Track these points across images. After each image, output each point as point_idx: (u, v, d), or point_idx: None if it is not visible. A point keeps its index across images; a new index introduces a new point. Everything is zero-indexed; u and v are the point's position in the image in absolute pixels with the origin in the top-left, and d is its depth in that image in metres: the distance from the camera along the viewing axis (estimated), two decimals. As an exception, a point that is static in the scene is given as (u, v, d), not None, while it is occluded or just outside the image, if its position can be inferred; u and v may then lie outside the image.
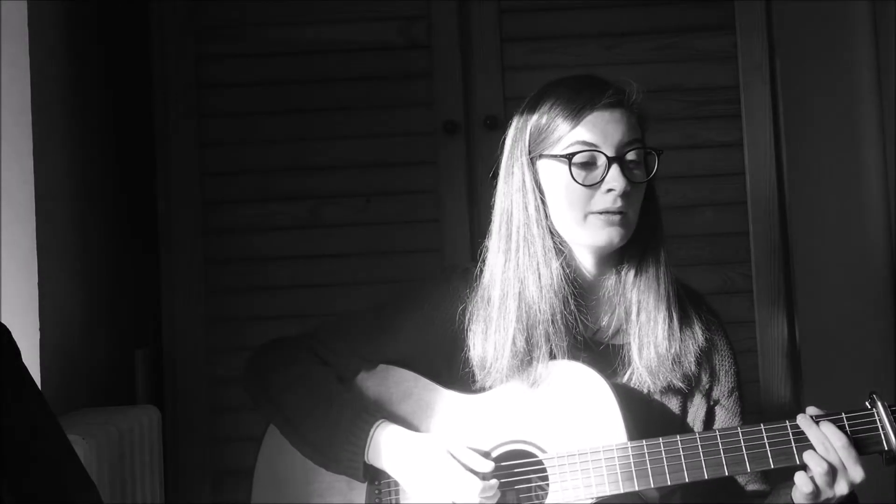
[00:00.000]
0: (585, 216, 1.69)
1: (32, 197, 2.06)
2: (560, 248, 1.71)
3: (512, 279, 1.70)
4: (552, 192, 1.71)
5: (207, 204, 2.52)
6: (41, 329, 2.06)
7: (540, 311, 1.68)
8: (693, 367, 1.75)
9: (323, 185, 2.53)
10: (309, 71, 2.54)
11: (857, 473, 1.60)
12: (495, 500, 1.65)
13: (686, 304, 1.77)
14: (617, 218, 1.68)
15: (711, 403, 1.79)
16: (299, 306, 2.50)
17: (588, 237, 1.70)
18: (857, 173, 2.79)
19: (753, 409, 2.46)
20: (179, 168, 2.52)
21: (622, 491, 1.64)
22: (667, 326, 1.72)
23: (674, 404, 1.76)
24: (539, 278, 1.69)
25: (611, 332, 1.76)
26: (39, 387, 1.55)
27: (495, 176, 1.77)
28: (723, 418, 1.79)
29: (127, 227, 2.59)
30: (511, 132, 1.76)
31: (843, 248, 2.78)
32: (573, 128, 1.69)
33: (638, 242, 1.74)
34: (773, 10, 2.56)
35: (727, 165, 2.53)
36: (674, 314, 1.73)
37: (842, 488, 1.60)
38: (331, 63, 2.54)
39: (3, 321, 1.45)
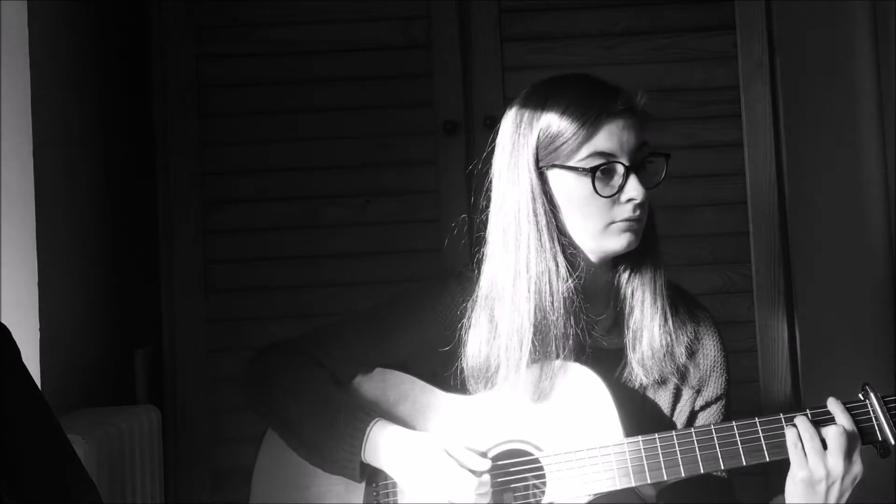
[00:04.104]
0: (606, 226, 1.68)
1: (32, 197, 2.06)
2: (570, 252, 1.70)
3: (522, 284, 1.68)
4: (567, 204, 1.69)
5: (207, 204, 2.52)
6: (41, 329, 2.06)
7: (553, 314, 1.67)
8: (683, 361, 1.75)
9: (323, 185, 2.53)
10: (309, 71, 2.54)
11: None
12: (490, 498, 1.65)
13: (680, 303, 1.78)
14: (635, 224, 1.69)
15: (696, 408, 1.79)
16: (299, 306, 2.50)
17: (606, 245, 1.69)
18: (856, 173, 2.78)
19: (753, 409, 2.47)
20: (179, 168, 2.52)
21: (619, 487, 1.64)
22: (662, 323, 1.73)
23: (664, 402, 1.77)
24: (549, 285, 1.67)
25: (606, 330, 1.76)
26: (39, 387, 1.54)
27: (485, 170, 1.76)
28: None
29: (127, 227, 2.59)
30: (509, 134, 1.71)
31: (843, 247, 2.78)
32: (590, 138, 1.66)
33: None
34: (773, 10, 2.56)
35: (727, 165, 2.53)
36: (668, 312, 1.74)
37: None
38: (331, 63, 2.54)
39: (3, 321, 1.45)
